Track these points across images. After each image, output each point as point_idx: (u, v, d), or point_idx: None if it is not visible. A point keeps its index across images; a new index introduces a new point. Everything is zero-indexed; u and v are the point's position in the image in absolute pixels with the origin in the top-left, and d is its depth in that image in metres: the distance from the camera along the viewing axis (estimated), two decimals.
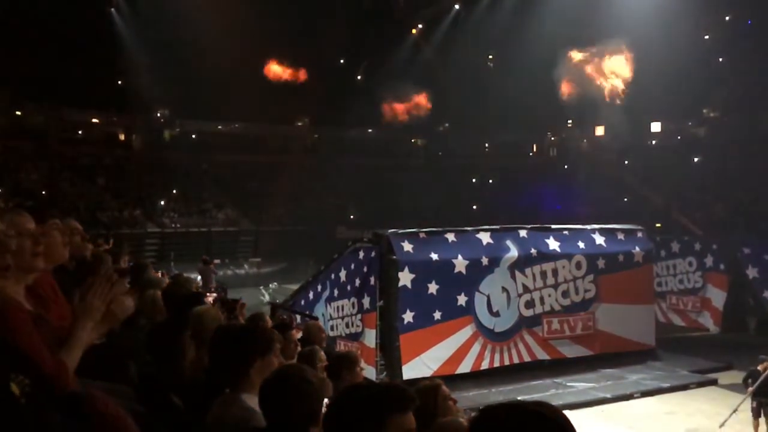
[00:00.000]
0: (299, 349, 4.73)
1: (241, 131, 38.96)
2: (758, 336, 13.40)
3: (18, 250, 2.11)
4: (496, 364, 11.16)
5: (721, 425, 8.62)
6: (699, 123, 37.72)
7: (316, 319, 8.88)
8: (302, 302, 11.91)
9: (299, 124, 40.42)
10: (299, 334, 5.53)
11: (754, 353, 11.50)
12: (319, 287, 11.93)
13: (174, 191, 33.00)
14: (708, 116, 37.31)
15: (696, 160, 36.49)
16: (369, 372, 9.66)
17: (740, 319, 14.15)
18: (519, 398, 9.21)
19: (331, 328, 10.56)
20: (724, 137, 35.76)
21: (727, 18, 35.05)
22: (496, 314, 11.34)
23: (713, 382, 10.67)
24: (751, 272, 13.74)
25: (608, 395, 9.91)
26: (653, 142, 39.94)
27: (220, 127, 38.58)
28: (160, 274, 7.26)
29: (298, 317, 9.41)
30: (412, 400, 1.81)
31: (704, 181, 34.45)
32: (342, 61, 40.34)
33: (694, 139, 37.72)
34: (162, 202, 31.72)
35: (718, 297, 14.27)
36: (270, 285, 22.01)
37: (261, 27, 32.28)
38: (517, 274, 11.55)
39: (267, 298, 19.95)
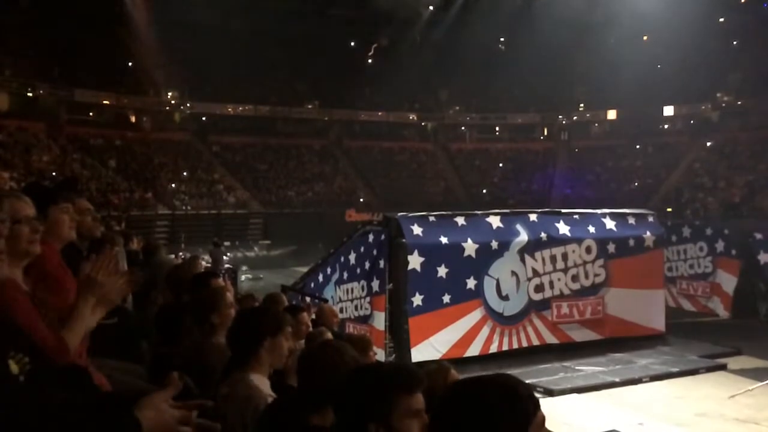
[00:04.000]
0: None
1: (252, 113, 38.95)
2: None
3: (14, 235, 2.14)
4: (505, 347, 11.17)
5: (731, 397, 8.76)
6: (713, 107, 37.28)
7: (326, 301, 8.92)
8: (312, 285, 11.94)
9: (309, 106, 40.33)
10: (310, 317, 5.57)
11: (764, 339, 11.49)
12: (329, 270, 11.95)
13: (184, 173, 33.13)
14: (722, 100, 36.83)
15: (708, 144, 36.15)
16: (378, 354, 9.72)
17: (751, 304, 14.07)
18: (528, 380, 9.24)
19: (341, 311, 10.58)
20: (737, 121, 35.41)
21: (742, 1, 34.52)
22: (506, 298, 11.33)
23: (722, 368, 10.63)
24: (763, 258, 13.63)
25: (617, 379, 9.89)
26: (666, 126, 39.59)
27: (230, 109, 38.58)
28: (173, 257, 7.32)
29: (309, 299, 9.45)
30: (420, 380, 1.83)
31: (716, 165, 34.20)
32: (353, 43, 40.14)
33: (706, 123, 37.34)
34: (173, 185, 31.85)
35: (728, 282, 14.19)
36: (246, 273, 22.03)
37: (271, 9, 32.21)
38: (527, 258, 11.52)
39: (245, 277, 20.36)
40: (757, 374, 9.74)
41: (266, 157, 37.46)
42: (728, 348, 11.59)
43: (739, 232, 14.55)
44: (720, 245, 14.48)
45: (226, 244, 23.35)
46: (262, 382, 2.59)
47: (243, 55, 32.54)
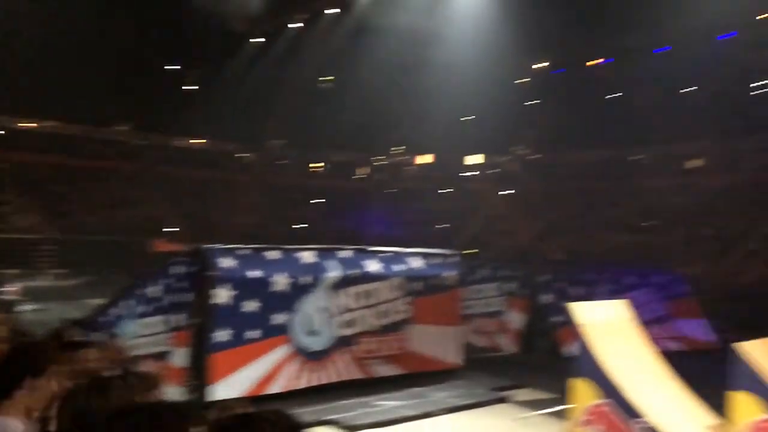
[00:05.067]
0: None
1: (52, 130, 35.74)
2: (548, 357, 14.68)
3: None
4: (313, 383, 11.17)
5: (514, 420, 9.80)
6: (512, 159, 41.24)
7: (116, 336, 8.32)
8: (106, 318, 11.06)
9: (121, 128, 37.98)
10: (96, 354, 5.14)
11: (544, 373, 12.65)
12: (129, 303, 11.17)
13: None
14: (520, 153, 40.93)
15: (507, 192, 39.71)
16: (177, 393, 9.22)
17: (535, 341, 15.50)
18: (330, 417, 9.30)
19: (138, 347, 9.91)
20: (533, 173, 39.49)
21: (534, 67, 39.03)
22: (314, 333, 11.39)
23: (508, 399, 11.54)
24: (545, 298, 15.12)
25: (413, 413, 10.31)
26: (470, 173, 42.88)
27: (25, 124, 35.08)
28: None
29: (98, 334, 8.73)
30: (188, 420, 1.76)
31: (513, 212, 37.67)
32: (172, 67, 38.73)
33: (506, 173, 41.12)
34: None
35: (517, 320, 15.52)
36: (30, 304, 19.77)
37: (86, 24, 30.19)
38: (337, 294, 11.72)
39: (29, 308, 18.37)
40: (536, 404, 10.74)
41: (67, 178, 34.48)
42: (514, 381, 12.60)
43: (529, 273, 16.02)
44: (511, 286, 15.83)
45: (13, 271, 21.01)
46: (16, 427, 2.33)
47: (49, 69, 29.95)
